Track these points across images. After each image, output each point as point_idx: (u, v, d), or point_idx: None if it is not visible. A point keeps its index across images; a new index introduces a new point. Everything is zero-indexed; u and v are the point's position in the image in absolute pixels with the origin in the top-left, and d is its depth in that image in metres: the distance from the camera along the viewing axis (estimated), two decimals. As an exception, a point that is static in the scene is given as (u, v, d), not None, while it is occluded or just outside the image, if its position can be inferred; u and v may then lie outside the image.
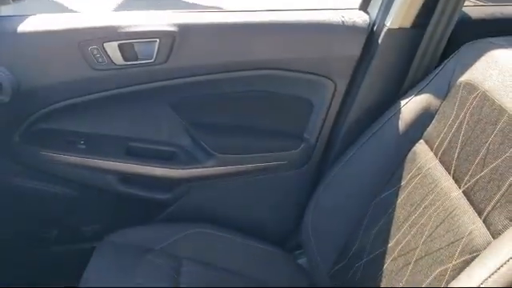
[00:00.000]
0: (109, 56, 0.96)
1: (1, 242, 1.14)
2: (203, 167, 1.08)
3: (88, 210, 1.15)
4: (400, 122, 0.92)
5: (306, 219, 1.05)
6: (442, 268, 0.68)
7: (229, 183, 1.12)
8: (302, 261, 1.12)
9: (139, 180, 1.09)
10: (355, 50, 0.99)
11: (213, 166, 1.09)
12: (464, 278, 0.60)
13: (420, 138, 0.88)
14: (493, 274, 0.55)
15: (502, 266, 0.55)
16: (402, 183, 0.86)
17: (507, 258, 0.55)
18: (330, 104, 1.04)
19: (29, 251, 1.17)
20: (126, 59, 0.97)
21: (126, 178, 1.09)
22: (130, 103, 1.05)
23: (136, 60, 0.97)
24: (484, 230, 0.65)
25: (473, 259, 0.63)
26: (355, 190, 0.95)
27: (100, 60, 0.96)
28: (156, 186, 1.11)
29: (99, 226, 1.15)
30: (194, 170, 1.09)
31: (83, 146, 1.07)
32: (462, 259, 0.65)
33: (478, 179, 0.70)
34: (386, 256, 0.82)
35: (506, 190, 0.63)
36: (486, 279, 0.56)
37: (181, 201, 1.12)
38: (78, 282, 0.89)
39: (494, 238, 0.62)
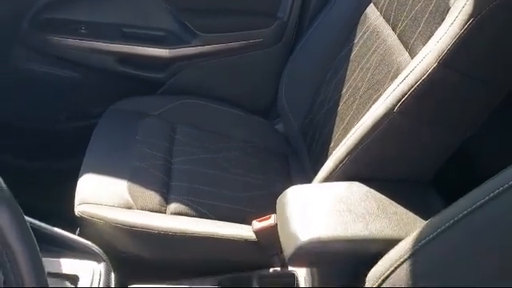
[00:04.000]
0: None
1: (16, 125, 1.32)
2: (190, 46, 1.24)
3: (92, 91, 1.32)
4: (355, -9, 1.06)
5: (280, 87, 1.23)
6: (377, 94, 0.86)
7: (214, 62, 1.28)
8: (278, 126, 1.31)
9: (134, 60, 1.26)
10: None
11: (198, 45, 1.25)
12: (385, 93, 0.77)
13: (370, 2, 1.03)
14: (402, 81, 0.73)
15: (409, 73, 0.72)
16: (355, 41, 1.02)
17: (414, 66, 0.72)
18: (298, -17, 1.18)
19: (42, 132, 1.36)
20: None
21: (123, 58, 1.25)
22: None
23: None
24: (408, 57, 0.82)
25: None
26: (319, 54, 1.12)
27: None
28: (150, 66, 1.28)
29: (103, 107, 1.33)
30: (182, 49, 1.25)
31: (84, 31, 1.23)
32: (391, 83, 0.82)
33: (407, 22, 0.86)
34: (340, 100, 1.00)
35: (424, 24, 0.79)
36: (399, 84, 0.73)
37: (173, 79, 1.29)
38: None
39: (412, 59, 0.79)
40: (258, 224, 0.87)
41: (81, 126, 1.35)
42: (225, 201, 1.00)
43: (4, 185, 0.42)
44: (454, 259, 0.56)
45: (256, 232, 0.87)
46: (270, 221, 0.86)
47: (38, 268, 0.42)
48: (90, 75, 1.28)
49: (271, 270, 0.91)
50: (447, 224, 0.57)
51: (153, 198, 0.95)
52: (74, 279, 0.77)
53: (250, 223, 0.92)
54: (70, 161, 1.15)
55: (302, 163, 1.16)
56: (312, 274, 0.77)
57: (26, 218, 0.45)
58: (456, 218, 0.56)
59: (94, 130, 1.12)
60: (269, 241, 0.87)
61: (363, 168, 0.77)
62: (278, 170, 1.16)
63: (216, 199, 1.00)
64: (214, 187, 1.03)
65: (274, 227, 0.81)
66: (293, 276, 0.89)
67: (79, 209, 0.89)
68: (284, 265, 0.91)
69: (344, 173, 0.78)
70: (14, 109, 1.30)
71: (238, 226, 0.94)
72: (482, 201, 0.53)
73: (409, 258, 0.59)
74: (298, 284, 0.88)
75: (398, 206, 0.72)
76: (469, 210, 0.55)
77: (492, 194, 0.53)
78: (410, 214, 0.71)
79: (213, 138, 1.18)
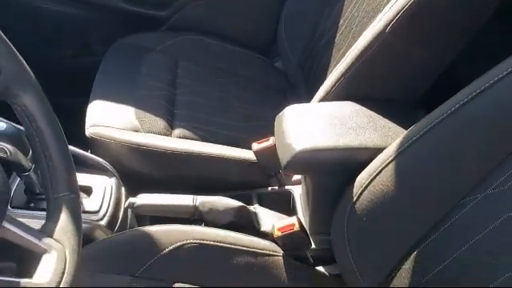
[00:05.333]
0: None
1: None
2: (193, -18, 1.27)
3: (97, 29, 1.36)
4: None
5: (280, 24, 1.27)
6: (372, 21, 0.90)
7: (216, -1, 1.32)
8: (278, 64, 1.35)
9: (138, -3, 1.29)
10: None
11: (201, -18, 1.28)
12: (378, 16, 0.81)
13: None
14: (394, 3, 0.76)
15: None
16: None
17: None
18: None
19: (48, 69, 1.40)
20: None
21: (127, -6, 1.28)
22: None
23: None
24: (401, -16, 0.86)
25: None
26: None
27: None
28: (154, 2, 1.31)
29: (108, 44, 1.36)
30: (185, -14, 1.28)
31: (88, -33, 1.25)
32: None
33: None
34: (337, 31, 1.04)
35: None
36: (391, 6, 0.77)
37: (176, 17, 1.32)
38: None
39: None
40: (257, 145, 0.93)
41: (87, 62, 1.39)
42: (226, 129, 1.06)
43: (30, 71, 0.47)
44: (439, 156, 0.62)
45: (255, 152, 0.93)
46: (269, 142, 0.92)
47: (63, 147, 0.48)
48: (94, 12, 1.31)
49: (269, 188, 0.97)
50: (430, 126, 0.62)
51: (158, 123, 1.00)
52: (87, 190, 0.83)
53: (250, 149, 0.98)
54: (77, 96, 1.21)
55: (299, 97, 1.21)
56: (307, 186, 0.84)
57: None
58: (439, 119, 0.61)
59: (100, 65, 1.17)
60: (267, 161, 0.93)
61: (356, 88, 0.81)
62: (277, 103, 1.20)
63: (218, 127, 1.06)
64: (216, 116, 1.08)
65: (273, 147, 0.87)
66: (289, 193, 0.96)
67: (90, 130, 0.95)
68: (281, 184, 0.97)
69: (339, 93, 0.83)
70: (20, 46, 1.34)
71: (240, 149, 1.01)
72: (465, 100, 0.58)
73: (394, 158, 0.65)
74: (293, 200, 0.95)
75: (388, 120, 0.77)
76: (452, 109, 0.60)
77: (474, 93, 0.58)
78: (399, 128, 0.76)
79: (214, 72, 1.22)
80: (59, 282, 0.39)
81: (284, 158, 0.74)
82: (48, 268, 0.41)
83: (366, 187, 0.69)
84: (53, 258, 0.42)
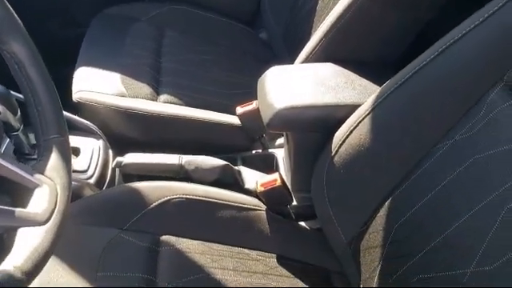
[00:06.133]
0: None
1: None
2: None
3: (83, 0, 1.36)
4: None
5: (263, -2, 1.29)
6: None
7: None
8: (262, 35, 1.38)
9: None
10: None
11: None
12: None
13: None
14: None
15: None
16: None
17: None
18: None
19: (36, 41, 1.41)
20: None
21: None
22: None
23: None
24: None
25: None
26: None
27: None
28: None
29: (94, 15, 1.37)
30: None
31: None
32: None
33: None
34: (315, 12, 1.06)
35: None
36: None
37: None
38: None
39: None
40: (241, 109, 0.96)
41: (74, 33, 1.40)
42: (212, 95, 1.08)
43: (19, 20, 0.49)
44: (411, 109, 0.65)
45: (240, 116, 0.96)
46: (253, 105, 0.94)
47: (52, 92, 0.50)
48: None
49: (253, 151, 1.00)
50: (403, 79, 0.66)
51: (144, 89, 1.02)
52: (76, 151, 0.86)
53: (234, 115, 1.01)
54: (65, 66, 1.21)
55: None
56: (289, 146, 0.87)
57: None
58: (410, 74, 0.64)
59: (86, 34, 1.18)
60: (251, 124, 0.96)
61: (335, 50, 0.84)
62: (260, 72, 1.22)
63: (203, 94, 1.08)
64: (202, 84, 1.11)
65: (256, 110, 0.90)
66: (272, 156, 0.99)
67: (77, 96, 0.97)
68: (265, 147, 1.01)
69: (319, 55, 0.85)
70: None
71: (224, 114, 1.03)
72: (435, 54, 0.62)
73: (370, 112, 0.68)
74: (276, 163, 0.98)
75: (365, 80, 0.80)
76: (423, 63, 0.63)
77: (444, 47, 0.61)
78: (375, 87, 0.79)
79: (199, 42, 1.24)
80: (53, 211, 0.42)
81: (266, 116, 0.77)
82: (41, 199, 0.43)
83: (344, 141, 0.72)
84: (45, 192, 0.44)
